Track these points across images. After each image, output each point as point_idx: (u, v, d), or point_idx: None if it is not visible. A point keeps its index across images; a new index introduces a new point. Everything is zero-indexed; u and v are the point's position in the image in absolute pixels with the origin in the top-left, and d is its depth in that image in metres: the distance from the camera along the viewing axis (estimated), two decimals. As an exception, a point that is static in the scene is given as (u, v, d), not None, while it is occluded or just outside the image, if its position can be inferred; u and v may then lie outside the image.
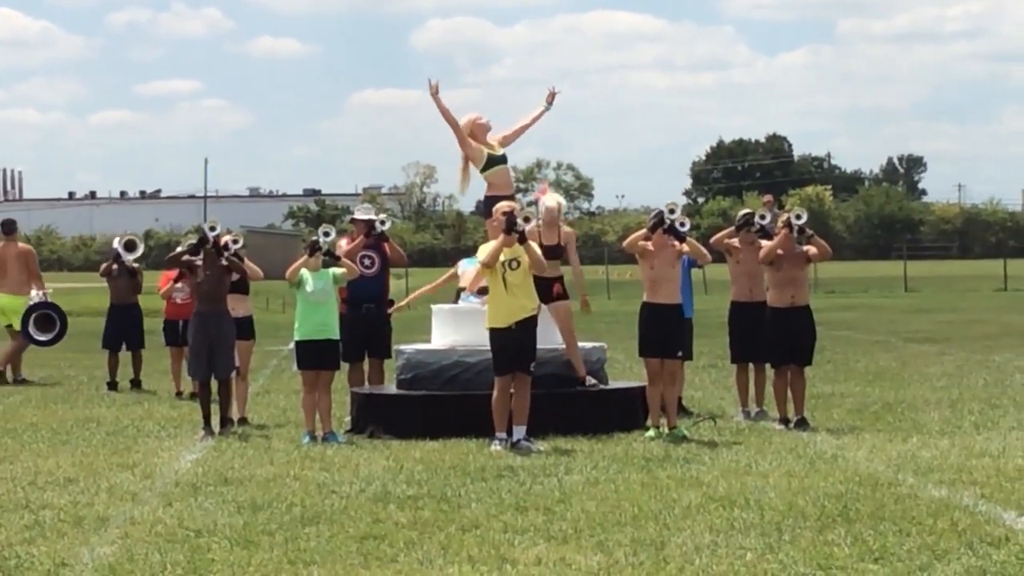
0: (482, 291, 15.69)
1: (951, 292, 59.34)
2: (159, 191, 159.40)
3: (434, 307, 16.87)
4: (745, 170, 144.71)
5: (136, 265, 22.07)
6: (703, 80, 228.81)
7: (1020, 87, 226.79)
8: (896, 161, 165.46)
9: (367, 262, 16.94)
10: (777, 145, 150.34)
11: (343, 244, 17.05)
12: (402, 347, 16.58)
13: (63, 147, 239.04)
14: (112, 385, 21.68)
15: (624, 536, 10.15)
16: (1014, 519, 10.53)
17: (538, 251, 15.09)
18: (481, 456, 13.98)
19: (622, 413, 15.90)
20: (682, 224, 15.49)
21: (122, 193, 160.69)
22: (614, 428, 15.41)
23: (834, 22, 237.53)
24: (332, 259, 15.88)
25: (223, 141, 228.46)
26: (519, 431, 14.69)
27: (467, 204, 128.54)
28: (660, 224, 15.44)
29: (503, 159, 16.37)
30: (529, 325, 14.85)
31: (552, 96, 16.54)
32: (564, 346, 16.08)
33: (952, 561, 9.24)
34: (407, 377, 16.19)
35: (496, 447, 14.48)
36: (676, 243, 15.41)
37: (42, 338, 22.76)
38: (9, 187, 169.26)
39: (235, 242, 16.36)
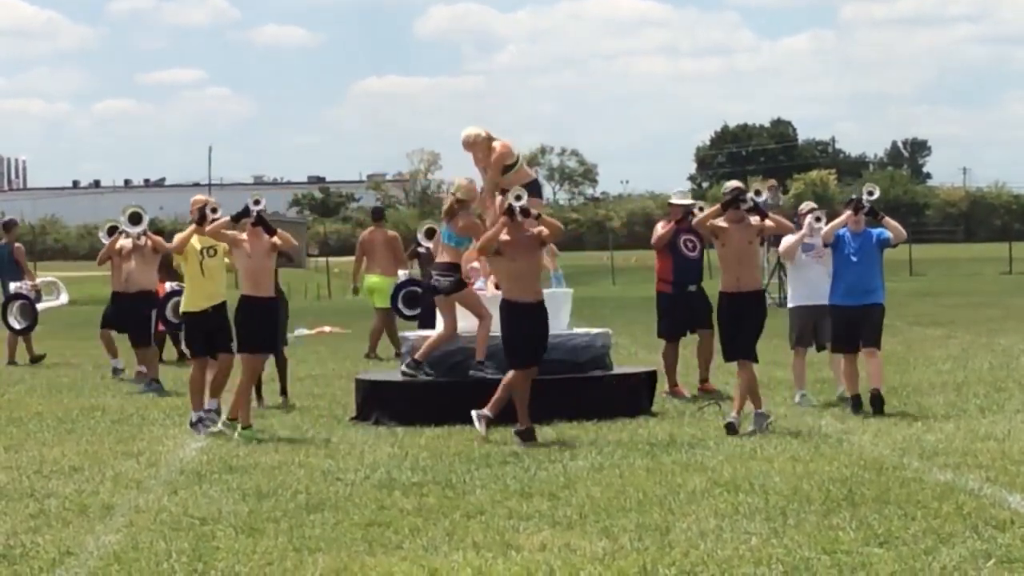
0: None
1: (956, 275, 59.29)
2: (163, 180, 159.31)
3: (439, 294, 16.89)
4: (749, 155, 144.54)
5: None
6: (707, 65, 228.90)
7: (1023, 71, 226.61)
8: (900, 145, 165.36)
9: (689, 245, 17.73)
10: (781, 130, 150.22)
11: (658, 229, 17.83)
12: (407, 334, 16.59)
13: (67, 136, 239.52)
14: None
15: (629, 521, 10.16)
16: (1019, 502, 10.53)
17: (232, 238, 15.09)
18: (486, 443, 13.98)
19: (627, 399, 15.90)
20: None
21: (126, 182, 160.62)
22: (619, 414, 15.41)
23: (837, 7, 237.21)
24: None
25: (227, 129, 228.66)
26: (212, 402, 15.36)
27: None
28: (735, 202, 14.60)
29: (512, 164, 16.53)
30: (223, 308, 15.39)
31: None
32: (569, 332, 16.16)
33: (957, 544, 9.24)
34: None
35: (202, 431, 14.97)
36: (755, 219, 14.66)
37: (409, 313, 23.50)
38: (13, 176, 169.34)
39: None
